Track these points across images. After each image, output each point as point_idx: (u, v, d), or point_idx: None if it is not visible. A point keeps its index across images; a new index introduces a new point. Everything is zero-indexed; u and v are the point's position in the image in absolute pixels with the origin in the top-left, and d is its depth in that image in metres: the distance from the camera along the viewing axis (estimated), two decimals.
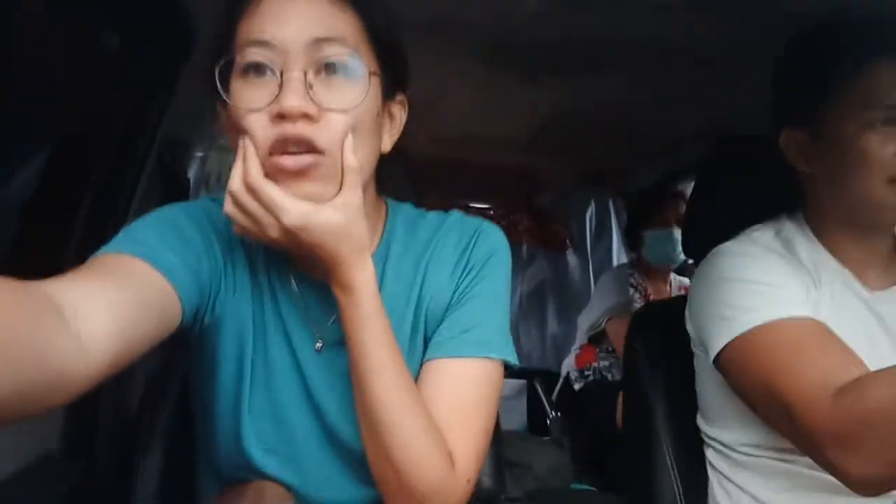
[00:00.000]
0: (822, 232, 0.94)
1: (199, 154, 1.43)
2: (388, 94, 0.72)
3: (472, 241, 0.78)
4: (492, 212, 3.12)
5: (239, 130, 0.66)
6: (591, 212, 3.11)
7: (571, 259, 3.09)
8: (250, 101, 0.64)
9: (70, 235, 1.01)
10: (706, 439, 1.01)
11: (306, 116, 0.62)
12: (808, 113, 0.90)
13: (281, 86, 0.63)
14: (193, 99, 1.16)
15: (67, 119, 1.00)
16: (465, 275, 0.76)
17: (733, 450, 0.95)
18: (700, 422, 1.02)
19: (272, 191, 0.62)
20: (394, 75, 0.72)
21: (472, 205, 3.20)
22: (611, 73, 1.41)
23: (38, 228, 0.98)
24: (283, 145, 0.63)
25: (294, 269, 0.75)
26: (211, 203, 0.76)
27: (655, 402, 1.09)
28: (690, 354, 1.01)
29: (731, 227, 1.01)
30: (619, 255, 3.03)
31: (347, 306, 0.67)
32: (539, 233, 3.12)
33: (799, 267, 0.91)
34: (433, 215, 0.83)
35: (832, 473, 0.73)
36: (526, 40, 1.22)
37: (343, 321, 0.68)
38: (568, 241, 3.10)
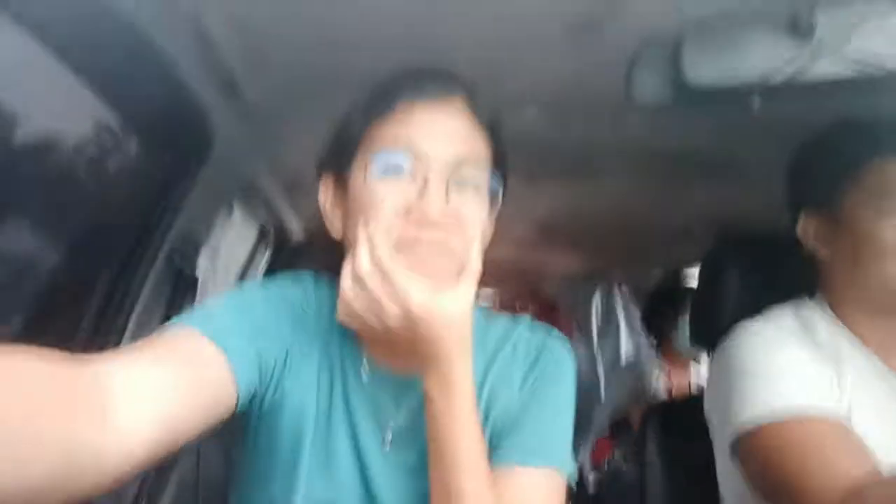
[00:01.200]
0: (843, 314, 0.94)
1: (207, 252, 1.46)
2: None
3: (540, 355, 0.78)
4: (498, 299, 3.13)
5: (358, 219, 0.67)
6: (596, 301, 3.10)
7: (578, 349, 3.06)
8: (390, 197, 0.67)
9: (77, 326, 1.02)
10: None
11: (442, 225, 0.66)
12: (826, 201, 0.93)
13: (422, 189, 0.66)
14: (206, 199, 1.21)
15: (85, 214, 1.03)
16: (531, 388, 0.76)
17: None
18: None
19: (401, 272, 0.62)
20: (503, 195, 0.76)
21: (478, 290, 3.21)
22: (608, 175, 1.46)
23: (47, 319, 0.99)
24: (415, 245, 0.66)
25: (368, 359, 0.75)
26: (289, 282, 0.78)
27: (672, 496, 1.05)
28: (708, 449, 0.98)
29: (737, 316, 1.01)
30: (627, 348, 2.99)
31: (441, 400, 0.65)
32: (545, 322, 3.10)
33: (819, 351, 0.90)
34: (503, 320, 0.83)
35: None
36: (524, 145, 1.27)
37: (433, 419, 0.66)
38: (575, 331, 3.07)
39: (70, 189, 0.96)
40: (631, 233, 2.03)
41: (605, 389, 2.59)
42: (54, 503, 0.44)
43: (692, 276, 2.30)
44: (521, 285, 3.13)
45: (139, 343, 0.60)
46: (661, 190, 1.52)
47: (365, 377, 0.74)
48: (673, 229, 1.92)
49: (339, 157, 0.73)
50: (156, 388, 0.54)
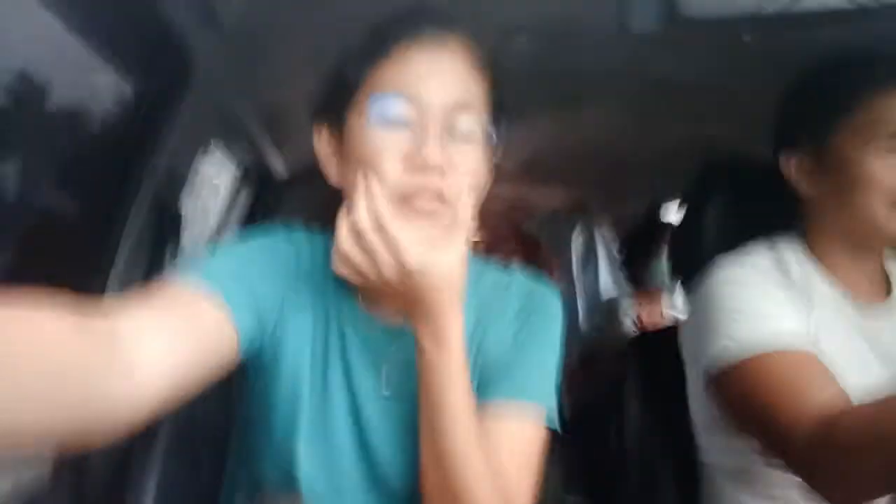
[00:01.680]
0: (819, 251, 0.97)
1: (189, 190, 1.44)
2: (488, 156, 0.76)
3: (531, 304, 0.80)
4: (479, 237, 3.14)
5: (357, 167, 0.68)
6: (578, 240, 3.13)
7: (559, 284, 3.11)
8: (387, 143, 0.67)
9: (64, 265, 1.01)
10: (702, 457, 1.03)
11: (440, 169, 0.66)
12: (815, 138, 0.93)
13: (420, 135, 0.66)
14: (190, 133, 1.18)
15: (65, 150, 1.00)
16: (520, 335, 0.78)
17: (728, 467, 0.96)
18: (697, 439, 1.03)
19: (400, 230, 0.63)
20: (498, 139, 0.75)
21: None
22: (594, 107, 1.45)
23: (32, 259, 0.98)
24: (417, 194, 0.66)
25: (363, 310, 0.76)
26: (283, 234, 0.78)
27: (651, 423, 1.10)
28: (683, 382, 1.02)
29: (718, 248, 1.03)
30: (606, 283, 3.05)
31: (433, 354, 0.66)
32: (527, 257, 3.13)
33: (790, 287, 0.93)
34: (496, 272, 0.84)
35: (817, 494, 0.77)
36: (512, 77, 1.25)
37: (423, 368, 0.67)
38: (556, 269, 3.11)
39: (49, 123, 0.93)
40: (615, 166, 2.04)
41: (583, 323, 2.65)
42: (73, 447, 0.46)
43: (671, 212, 2.32)
44: (505, 222, 3.14)
45: (143, 294, 0.60)
46: (646, 122, 1.52)
47: (361, 328, 0.76)
48: (657, 162, 1.93)
49: (335, 102, 0.72)
50: (163, 338, 0.55)
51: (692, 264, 1.04)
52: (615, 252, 2.97)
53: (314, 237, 0.80)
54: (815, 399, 0.78)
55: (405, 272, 0.63)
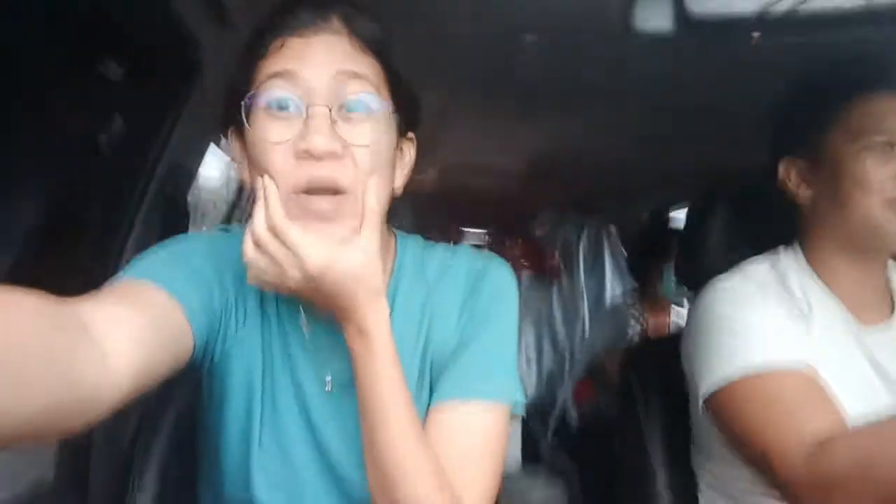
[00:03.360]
0: (818, 262, 0.95)
1: (198, 182, 1.45)
2: (400, 132, 0.73)
3: (479, 283, 0.77)
4: (487, 237, 3.14)
5: (257, 167, 0.66)
6: (584, 240, 3.12)
7: (566, 288, 3.10)
8: (274, 136, 0.65)
9: (72, 260, 1.01)
10: (700, 473, 1.02)
11: (332, 154, 0.64)
12: (809, 141, 0.93)
13: (306, 122, 0.64)
14: (197, 128, 1.19)
15: (71, 145, 1.01)
16: (470, 318, 0.76)
17: (726, 484, 0.95)
18: (694, 455, 1.03)
19: (296, 233, 0.62)
20: (407, 115, 0.74)
21: (467, 230, 3.22)
22: (604, 109, 1.44)
23: (40, 253, 0.98)
24: (309, 186, 0.64)
25: (305, 308, 0.75)
26: (223, 234, 0.77)
27: (651, 435, 1.10)
28: (685, 390, 1.02)
29: (725, 256, 1.03)
30: (612, 285, 3.04)
31: (360, 349, 0.66)
32: (533, 260, 3.13)
33: (792, 304, 0.92)
34: (441, 250, 0.82)
35: None
36: (519, 79, 1.25)
37: (354, 364, 0.67)
38: (561, 269, 3.10)
39: (59, 116, 0.94)
40: (621, 170, 2.03)
41: (589, 328, 2.64)
42: (51, 435, 0.45)
43: (679, 221, 2.31)
44: (510, 222, 3.14)
45: (97, 292, 0.59)
46: (653, 127, 1.51)
47: (305, 325, 0.75)
48: (663, 169, 1.92)
49: (234, 105, 0.69)
50: (128, 327, 0.55)
51: (699, 277, 1.03)
52: (623, 259, 2.96)
53: None
54: (809, 424, 0.77)
55: (309, 278, 0.63)
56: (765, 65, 1.00)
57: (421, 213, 1.06)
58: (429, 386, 0.76)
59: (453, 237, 3.16)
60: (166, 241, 0.72)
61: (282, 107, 0.65)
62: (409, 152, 0.78)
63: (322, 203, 0.64)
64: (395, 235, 0.82)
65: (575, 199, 2.76)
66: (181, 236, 0.75)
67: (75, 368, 0.45)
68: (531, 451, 2.58)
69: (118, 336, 0.52)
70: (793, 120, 0.97)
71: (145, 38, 0.96)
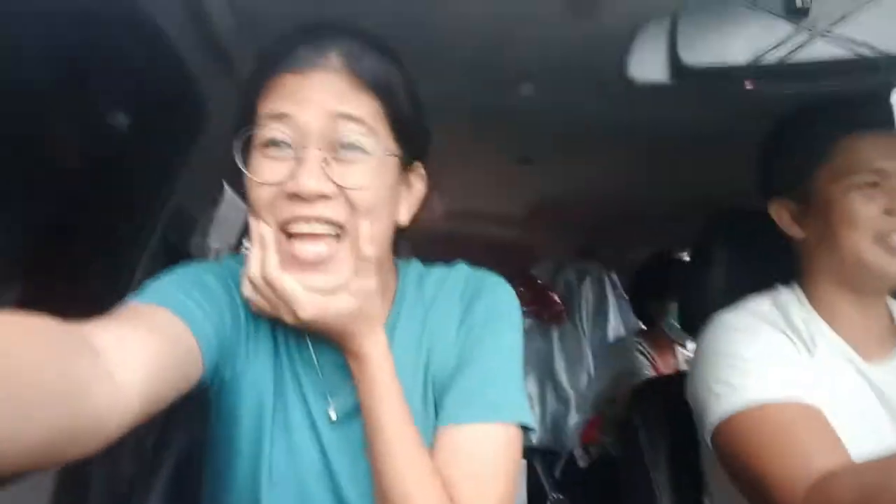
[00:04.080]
0: (818, 299, 0.95)
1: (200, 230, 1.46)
2: (405, 166, 0.73)
3: (476, 296, 0.77)
4: None
5: (251, 206, 0.68)
6: (586, 285, 3.12)
7: (568, 333, 3.07)
8: (266, 175, 0.66)
9: (72, 305, 1.01)
10: None
11: (322, 197, 0.65)
12: (797, 183, 0.94)
13: (297, 164, 0.65)
14: (201, 175, 1.20)
15: (77, 190, 1.02)
16: (468, 335, 0.75)
17: None
18: (706, 496, 1.00)
19: (288, 285, 0.64)
20: (413, 149, 0.73)
21: None
22: (603, 154, 1.46)
23: (40, 296, 0.98)
24: (295, 220, 0.65)
25: (311, 336, 0.75)
26: (235, 263, 0.77)
27: (657, 475, 1.07)
28: (692, 428, 1.00)
29: (727, 299, 1.02)
30: (615, 329, 3.02)
31: (360, 376, 0.68)
32: (537, 305, 3.12)
33: (795, 338, 0.91)
34: (439, 269, 0.82)
35: None
36: (519, 124, 1.27)
37: (358, 390, 0.69)
38: (565, 314, 3.09)
39: (61, 166, 0.96)
40: (623, 213, 2.05)
41: (595, 371, 2.61)
42: (55, 460, 0.44)
43: (681, 260, 2.30)
44: (512, 267, 3.14)
45: (109, 315, 0.60)
46: (654, 170, 1.53)
47: (312, 353, 0.75)
48: (665, 210, 1.93)
49: (240, 140, 0.70)
50: (138, 349, 0.55)
51: (702, 316, 1.03)
52: (626, 304, 2.95)
53: None
54: (812, 458, 0.76)
55: (304, 323, 0.65)
56: (759, 109, 1.02)
57: (420, 259, 1.06)
58: (433, 405, 0.75)
59: None
60: (178, 267, 0.72)
61: (277, 148, 0.66)
62: (418, 185, 0.78)
63: (309, 252, 0.65)
64: (396, 265, 0.82)
65: (576, 243, 2.77)
66: (193, 263, 0.75)
67: (84, 391, 0.45)
68: (537, 497, 2.52)
69: (127, 358, 0.52)
70: (780, 162, 0.99)
71: (153, 89, 0.98)
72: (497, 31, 0.92)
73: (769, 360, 0.87)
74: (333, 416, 0.74)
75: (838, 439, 0.79)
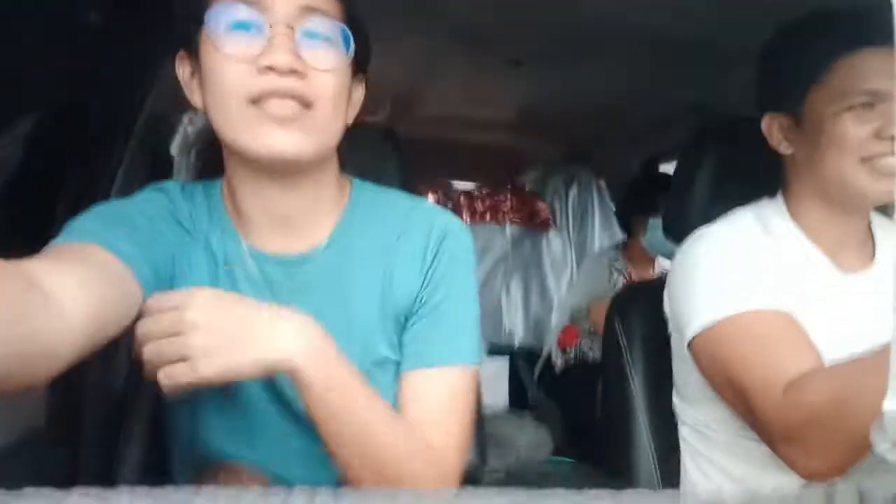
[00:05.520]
0: (800, 213, 0.97)
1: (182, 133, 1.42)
2: (355, 69, 0.74)
3: (438, 246, 0.78)
4: (476, 192, 3.13)
5: (212, 86, 0.66)
6: (573, 192, 3.12)
7: (554, 239, 3.11)
8: (235, 50, 0.64)
9: (52, 212, 1.00)
10: (681, 416, 1.05)
11: (294, 72, 0.64)
12: (792, 98, 0.93)
13: (269, 41, 0.64)
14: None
15: (50, 94, 0.99)
16: (430, 283, 0.77)
17: (706, 427, 0.99)
18: (675, 400, 1.06)
19: (191, 347, 0.58)
20: (360, 55, 0.73)
21: (457, 185, 3.20)
22: (593, 58, 1.42)
23: (19, 204, 0.97)
24: (268, 97, 0.64)
25: (249, 246, 0.76)
26: (155, 192, 0.77)
27: (633, 379, 1.12)
28: (668, 335, 1.04)
29: (712, 209, 1.03)
30: (600, 237, 3.06)
31: (313, 404, 0.64)
32: (523, 212, 3.13)
33: (774, 253, 0.93)
34: (398, 198, 0.83)
35: (785, 464, 0.78)
36: (510, 27, 1.22)
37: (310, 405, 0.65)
38: (551, 221, 3.11)
39: (36, 64, 0.92)
40: (612, 119, 2.02)
41: (578, 275, 2.67)
42: (8, 388, 0.46)
43: (669, 169, 2.30)
44: (500, 174, 3.13)
45: (43, 252, 0.59)
46: (644, 75, 1.50)
47: (252, 264, 0.76)
48: (654, 117, 1.91)
49: (186, 25, 0.69)
50: (79, 284, 0.55)
51: (687, 229, 1.04)
52: (611, 212, 2.97)
53: (189, 187, 0.79)
54: (787, 363, 0.78)
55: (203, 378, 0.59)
56: (756, 10, 0.98)
57: (407, 165, 1.05)
58: (393, 323, 0.77)
59: (442, 190, 3.14)
60: (94, 207, 0.72)
61: (243, 28, 0.65)
62: (359, 91, 0.78)
63: (284, 108, 0.65)
64: (350, 181, 0.82)
65: (564, 149, 2.74)
66: (111, 201, 0.75)
67: (33, 324, 0.46)
68: (518, 394, 2.66)
69: (69, 290, 0.52)
70: (775, 79, 0.97)
71: None
72: None
73: (746, 272, 0.89)
74: None
75: (813, 345, 0.82)
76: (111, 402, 1.02)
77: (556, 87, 1.75)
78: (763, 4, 0.78)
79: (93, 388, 1.03)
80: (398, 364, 0.77)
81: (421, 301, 0.77)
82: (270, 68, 0.63)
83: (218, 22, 0.65)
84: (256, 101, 0.64)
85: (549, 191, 3.11)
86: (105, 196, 1.06)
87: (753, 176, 1.04)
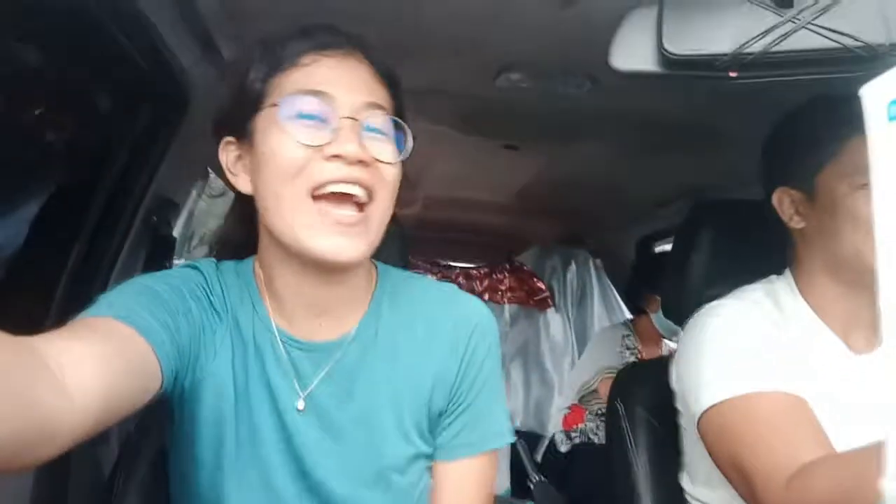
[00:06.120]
0: (810, 291, 0.96)
1: (185, 213, 1.45)
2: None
3: (469, 339, 0.79)
4: (475, 271, 3.15)
5: (270, 173, 0.68)
6: (571, 271, 3.14)
7: (553, 319, 3.10)
8: (305, 138, 0.67)
9: (54, 291, 1.01)
10: (689, 498, 1.01)
11: (361, 162, 0.67)
12: (805, 175, 0.94)
13: (336, 132, 0.67)
14: (184, 160, 1.19)
15: (58, 174, 1.01)
16: (464, 379, 0.78)
17: None
18: (684, 480, 1.02)
19: None
20: (402, 146, 0.76)
21: (456, 265, 3.23)
22: (589, 141, 1.47)
23: (22, 283, 0.98)
24: (331, 185, 0.66)
25: (279, 329, 0.76)
26: (188, 269, 0.78)
27: (637, 460, 1.09)
28: (673, 413, 1.02)
29: (709, 290, 1.03)
30: (599, 316, 3.05)
31: None
32: (522, 292, 3.14)
33: (784, 328, 0.92)
34: (424, 286, 0.84)
35: None
36: (506, 112, 1.27)
37: None
38: (550, 300, 3.11)
39: (43, 146, 0.94)
40: (608, 201, 2.06)
41: (579, 358, 2.64)
42: (10, 467, 0.45)
43: (666, 247, 2.32)
44: (498, 255, 3.16)
45: (58, 329, 0.59)
46: (639, 158, 1.54)
47: (281, 346, 0.76)
48: (650, 198, 1.95)
49: (239, 114, 0.72)
50: (93, 362, 0.55)
51: (685, 307, 1.04)
52: (611, 290, 2.97)
53: (222, 265, 0.80)
54: (794, 447, 0.77)
55: None
56: (744, 100, 1.02)
57: (408, 246, 1.07)
58: (419, 427, 0.78)
59: (441, 271, 3.16)
60: (128, 281, 0.72)
61: (310, 118, 0.68)
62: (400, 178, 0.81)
63: (346, 212, 0.67)
64: (375, 264, 0.83)
65: (561, 230, 2.78)
66: (144, 275, 0.75)
67: (36, 402, 0.45)
68: (520, 480, 2.56)
69: (79, 369, 0.52)
70: (788, 156, 0.99)
71: (136, 71, 0.97)
72: (482, 17, 0.91)
73: (758, 350, 0.88)
74: (301, 406, 0.75)
75: (822, 431, 0.80)
76: (100, 483, 0.98)
77: (550, 170, 1.79)
78: (757, 91, 0.82)
79: (80, 470, 1.00)
80: (424, 453, 0.79)
81: (455, 398, 0.79)
82: (337, 157, 0.66)
83: (283, 112, 0.68)
84: (318, 189, 0.67)
85: (547, 270, 3.13)
86: (105, 277, 1.06)
87: (751, 256, 1.05)
